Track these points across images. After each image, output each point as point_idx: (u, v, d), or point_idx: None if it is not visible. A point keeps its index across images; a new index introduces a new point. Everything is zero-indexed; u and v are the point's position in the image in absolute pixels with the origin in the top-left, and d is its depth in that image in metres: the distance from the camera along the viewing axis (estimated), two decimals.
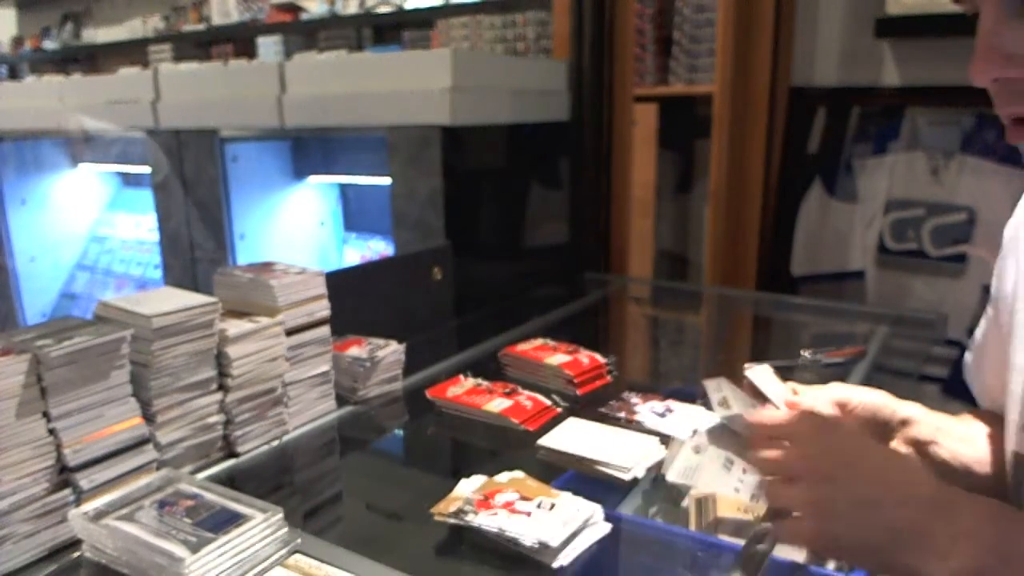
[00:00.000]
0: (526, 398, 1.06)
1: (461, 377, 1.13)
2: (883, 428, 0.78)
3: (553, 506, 0.77)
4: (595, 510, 0.77)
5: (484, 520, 0.75)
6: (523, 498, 0.78)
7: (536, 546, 0.71)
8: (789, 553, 0.79)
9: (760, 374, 0.85)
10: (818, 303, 1.69)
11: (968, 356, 0.84)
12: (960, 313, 1.78)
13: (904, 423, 0.79)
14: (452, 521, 0.76)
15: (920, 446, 0.78)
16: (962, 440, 0.78)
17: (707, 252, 2.08)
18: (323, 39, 3.57)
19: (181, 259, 2.02)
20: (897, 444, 0.78)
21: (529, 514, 0.75)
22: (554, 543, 0.70)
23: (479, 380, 1.12)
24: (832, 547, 0.60)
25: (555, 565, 0.70)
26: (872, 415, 0.78)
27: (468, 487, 0.82)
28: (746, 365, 0.86)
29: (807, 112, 2.00)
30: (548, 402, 1.06)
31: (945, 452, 0.77)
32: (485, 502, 0.78)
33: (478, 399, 1.05)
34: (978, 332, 0.81)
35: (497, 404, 1.04)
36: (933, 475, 0.60)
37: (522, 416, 1.01)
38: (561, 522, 0.73)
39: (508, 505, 0.77)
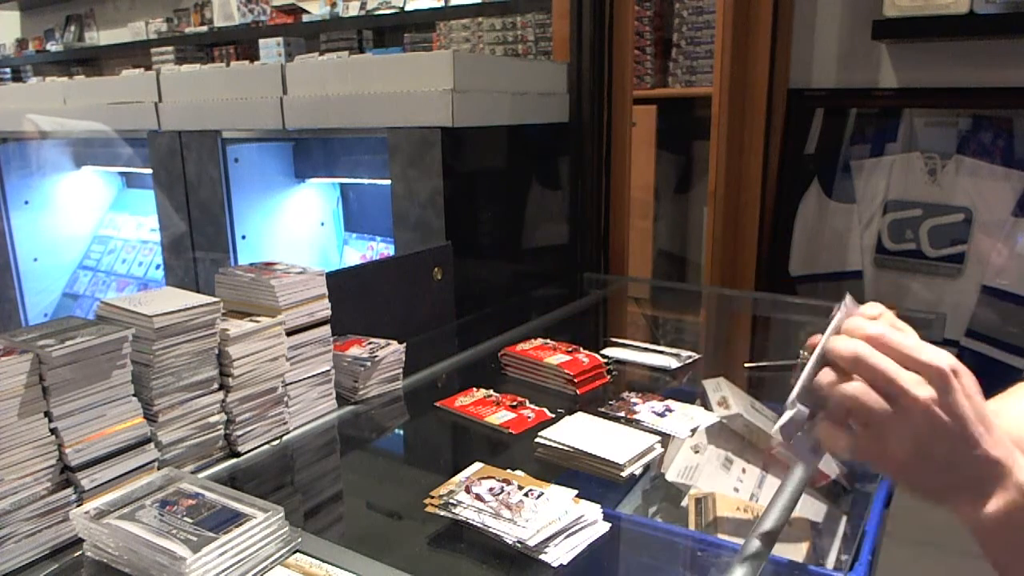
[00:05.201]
0: (531, 411, 1.06)
1: (473, 389, 1.14)
2: None
3: (541, 495, 0.77)
4: (589, 509, 0.77)
5: (471, 515, 0.75)
6: (518, 487, 0.79)
7: (518, 545, 0.71)
8: (789, 553, 0.79)
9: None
10: (816, 303, 1.69)
11: None
12: (958, 313, 1.78)
13: None
14: (441, 513, 0.76)
15: None
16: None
17: (706, 252, 2.09)
18: (324, 41, 3.58)
19: (183, 259, 2.03)
20: None
21: (519, 504, 0.76)
22: (533, 542, 0.71)
23: (490, 392, 1.13)
24: (870, 461, 0.62)
25: (554, 564, 0.71)
26: None
27: (464, 473, 0.83)
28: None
29: (805, 113, 2.00)
30: (552, 415, 1.05)
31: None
32: (476, 484, 0.79)
33: (483, 410, 1.06)
34: None
35: (500, 416, 1.04)
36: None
37: (521, 428, 1.02)
38: (546, 520, 0.74)
39: (496, 493, 0.78)
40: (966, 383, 0.59)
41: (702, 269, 2.38)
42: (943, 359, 0.59)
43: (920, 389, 0.58)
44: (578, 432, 0.95)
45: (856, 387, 0.60)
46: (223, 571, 0.65)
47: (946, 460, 0.59)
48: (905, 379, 0.59)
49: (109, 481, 0.78)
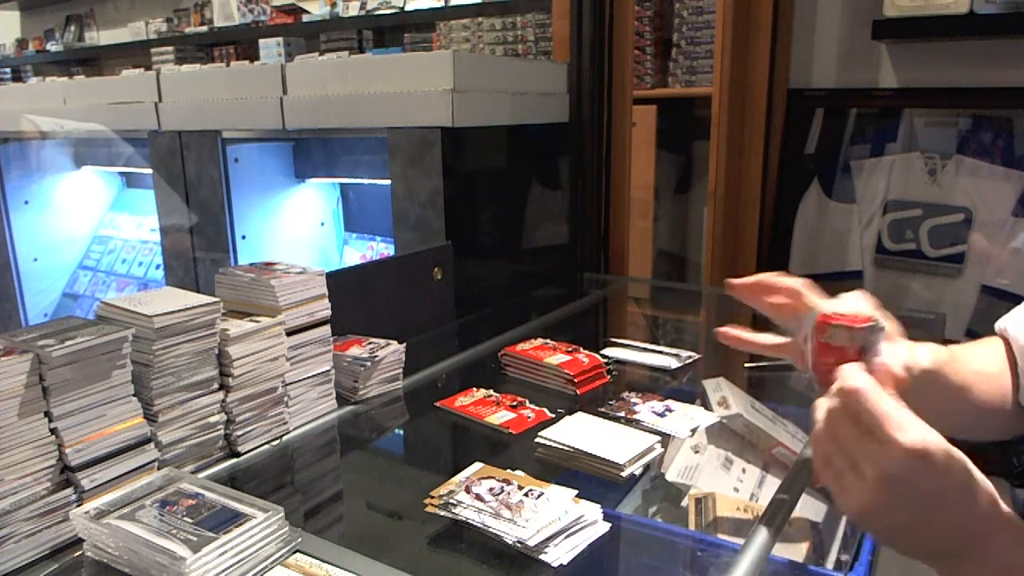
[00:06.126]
0: (531, 411, 1.06)
1: (473, 389, 1.14)
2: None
3: (541, 495, 0.77)
4: (589, 509, 0.77)
5: (471, 515, 0.75)
6: (518, 487, 0.79)
7: (518, 545, 0.71)
8: (788, 552, 0.79)
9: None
10: None
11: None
12: (958, 313, 1.78)
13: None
14: (441, 513, 0.76)
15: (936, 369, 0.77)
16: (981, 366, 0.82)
17: (706, 252, 2.09)
18: (324, 41, 3.58)
19: (183, 259, 2.03)
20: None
21: (519, 504, 0.76)
22: (533, 542, 0.71)
23: (490, 392, 1.13)
24: (871, 532, 0.64)
25: (554, 564, 0.71)
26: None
27: (464, 473, 0.83)
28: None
29: (805, 113, 2.00)
30: (552, 415, 1.05)
31: (959, 378, 0.80)
32: (476, 484, 0.79)
33: (483, 410, 1.06)
34: None
35: (500, 416, 1.04)
36: (990, 495, 0.58)
37: (520, 428, 1.02)
38: (546, 520, 0.74)
39: (496, 493, 0.78)
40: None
41: (702, 269, 2.38)
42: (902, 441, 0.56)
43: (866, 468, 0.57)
44: (578, 432, 0.95)
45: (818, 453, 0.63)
46: (223, 571, 0.65)
47: (916, 523, 0.58)
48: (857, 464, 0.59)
49: (109, 481, 0.78)
